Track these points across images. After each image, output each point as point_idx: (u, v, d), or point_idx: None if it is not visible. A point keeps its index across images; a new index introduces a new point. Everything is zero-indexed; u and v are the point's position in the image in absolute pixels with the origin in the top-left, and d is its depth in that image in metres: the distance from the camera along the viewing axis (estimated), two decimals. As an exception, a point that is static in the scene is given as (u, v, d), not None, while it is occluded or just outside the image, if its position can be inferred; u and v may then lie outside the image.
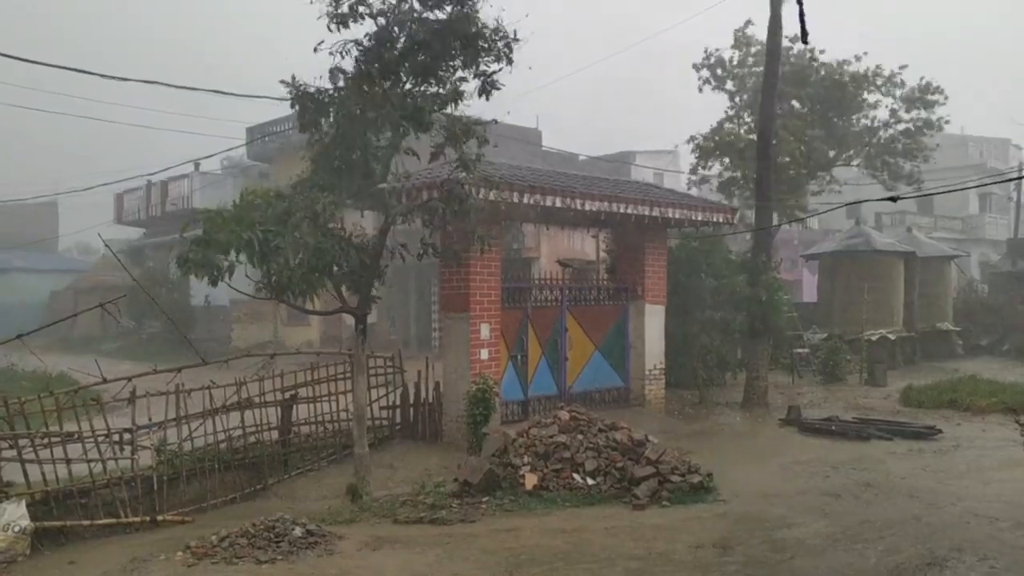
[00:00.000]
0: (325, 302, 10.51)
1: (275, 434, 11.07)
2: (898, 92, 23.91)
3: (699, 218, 15.08)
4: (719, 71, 24.84)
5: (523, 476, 9.54)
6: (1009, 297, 28.44)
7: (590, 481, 9.48)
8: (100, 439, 9.09)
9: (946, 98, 24.20)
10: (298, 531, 7.88)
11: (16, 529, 8.00)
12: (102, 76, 12.47)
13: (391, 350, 13.60)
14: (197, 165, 31.25)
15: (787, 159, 21.32)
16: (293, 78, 9.61)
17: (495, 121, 10.22)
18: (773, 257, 18.24)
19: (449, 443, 12.37)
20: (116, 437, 9.22)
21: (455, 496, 9.42)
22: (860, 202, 9.43)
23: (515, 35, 9.63)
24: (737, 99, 24.86)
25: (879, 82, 23.46)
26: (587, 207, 12.82)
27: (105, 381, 9.53)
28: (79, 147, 70.86)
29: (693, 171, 25.24)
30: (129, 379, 9.58)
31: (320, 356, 12.04)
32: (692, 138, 24.06)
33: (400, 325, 27.29)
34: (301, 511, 9.05)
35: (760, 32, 23.68)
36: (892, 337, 23.17)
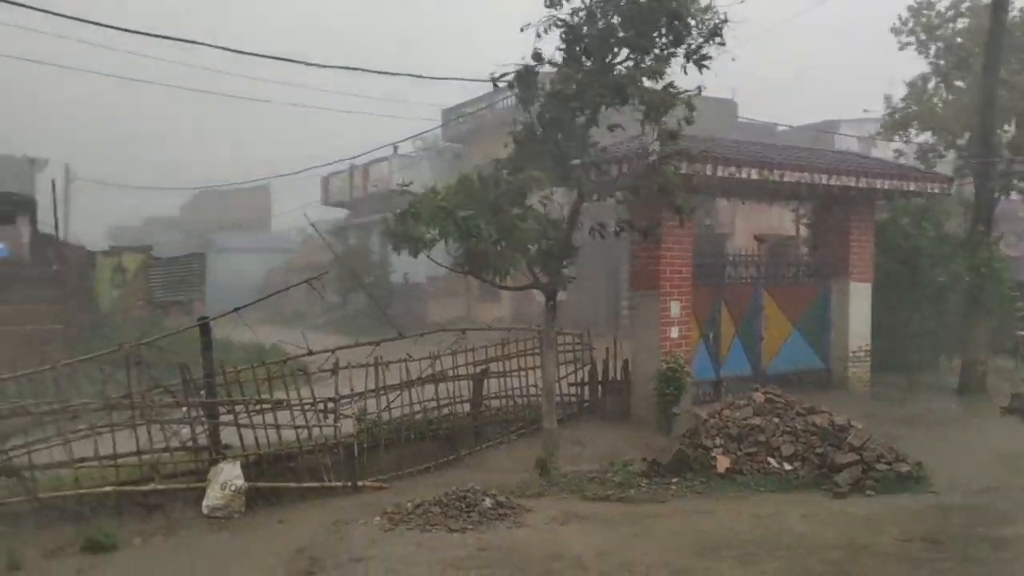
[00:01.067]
0: (514, 280, 10.64)
1: (467, 407, 11.33)
2: None
3: (911, 188, 13.97)
4: (923, 36, 22.78)
5: (715, 458, 9.25)
6: None
7: (787, 466, 9.05)
8: (306, 407, 9.65)
9: None
10: (488, 502, 8.02)
11: (232, 488, 8.63)
12: (307, 64, 13.20)
13: (580, 327, 13.59)
14: (395, 148, 32.56)
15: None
16: (537, 53, 9.74)
17: (700, 90, 9.91)
18: (994, 230, 16.67)
19: (638, 422, 12.19)
20: (320, 406, 9.74)
21: (643, 475, 9.28)
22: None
23: (725, 17, 9.35)
24: (938, 59, 22.70)
25: None
26: (785, 178, 12.18)
27: (311, 353, 10.12)
28: (289, 133, 75.78)
29: (881, 132, 23.45)
30: (332, 351, 10.11)
31: (511, 332, 12.20)
32: (888, 106, 22.42)
33: (590, 302, 27.25)
34: (491, 482, 9.19)
35: None
36: None
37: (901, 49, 23.05)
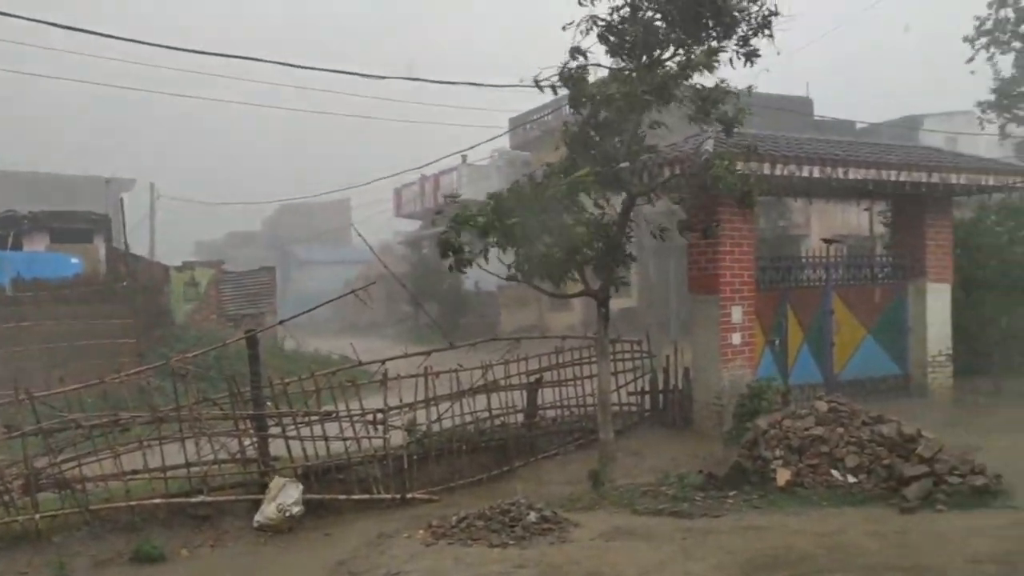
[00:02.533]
0: (573, 287, 10.44)
1: (521, 417, 11.12)
2: None
3: (990, 183, 13.19)
4: (999, 35, 21.51)
5: (774, 470, 8.79)
6: None
7: (851, 479, 8.53)
8: (355, 418, 9.59)
9: None
10: (533, 516, 7.78)
11: (287, 514, 8.52)
12: (364, 76, 13.20)
13: (648, 334, 13.24)
14: (464, 158, 32.62)
15: None
16: (576, 48, 9.58)
17: (749, 90, 9.61)
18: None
19: (699, 432, 11.79)
20: (369, 417, 9.66)
21: (699, 489, 8.89)
22: None
23: (775, 8, 9.08)
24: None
25: None
26: (851, 176, 11.62)
27: (360, 364, 10.07)
28: (365, 146, 76.94)
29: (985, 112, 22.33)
30: (382, 362, 10.04)
31: (565, 340, 11.95)
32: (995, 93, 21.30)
33: (658, 307, 26.74)
34: (544, 495, 8.99)
35: None
36: None
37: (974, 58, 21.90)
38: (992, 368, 14.91)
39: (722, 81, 9.46)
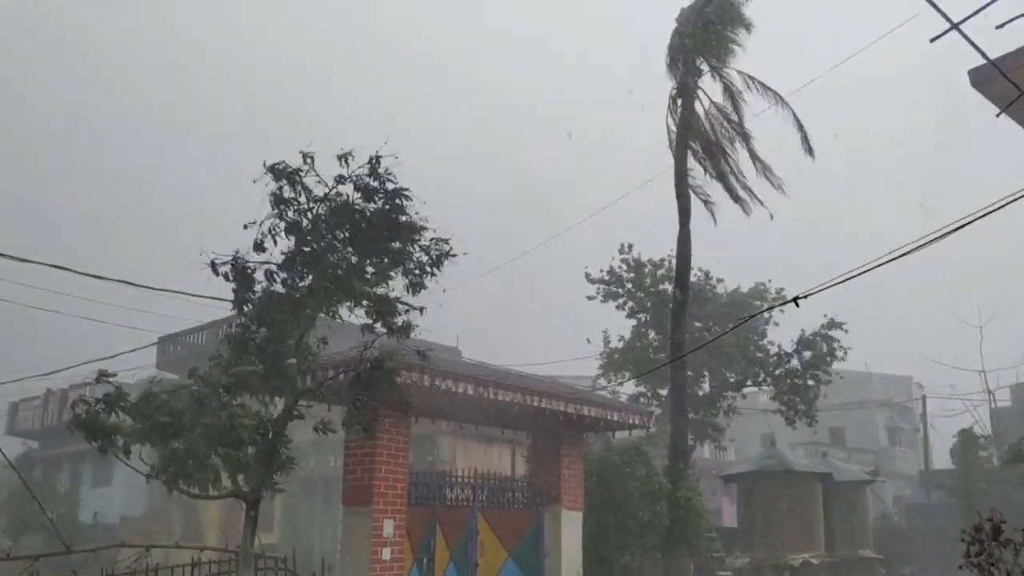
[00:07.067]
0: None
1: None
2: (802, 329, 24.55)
3: (615, 418, 14.84)
4: (617, 289, 24.97)
5: None
6: (932, 527, 28.33)
7: None
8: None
9: (845, 331, 24.86)
10: None
11: None
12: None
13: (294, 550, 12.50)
14: (101, 375, 29.85)
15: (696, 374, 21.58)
16: (258, 243, 9.52)
17: (421, 309, 10.17)
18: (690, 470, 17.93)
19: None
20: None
21: None
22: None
23: (448, 251, 9.91)
24: (641, 317, 25.05)
25: (771, 297, 24.33)
26: (500, 397, 12.50)
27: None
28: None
29: (599, 378, 25.31)
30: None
31: (203, 551, 10.96)
32: (603, 353, 24.34)
33: (301, 545, 25.53)
34: None
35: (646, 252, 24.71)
36: (815, 561, 22.57)
37: (597, 294, 24.97)
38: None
39: (398, 299, 10.00)
